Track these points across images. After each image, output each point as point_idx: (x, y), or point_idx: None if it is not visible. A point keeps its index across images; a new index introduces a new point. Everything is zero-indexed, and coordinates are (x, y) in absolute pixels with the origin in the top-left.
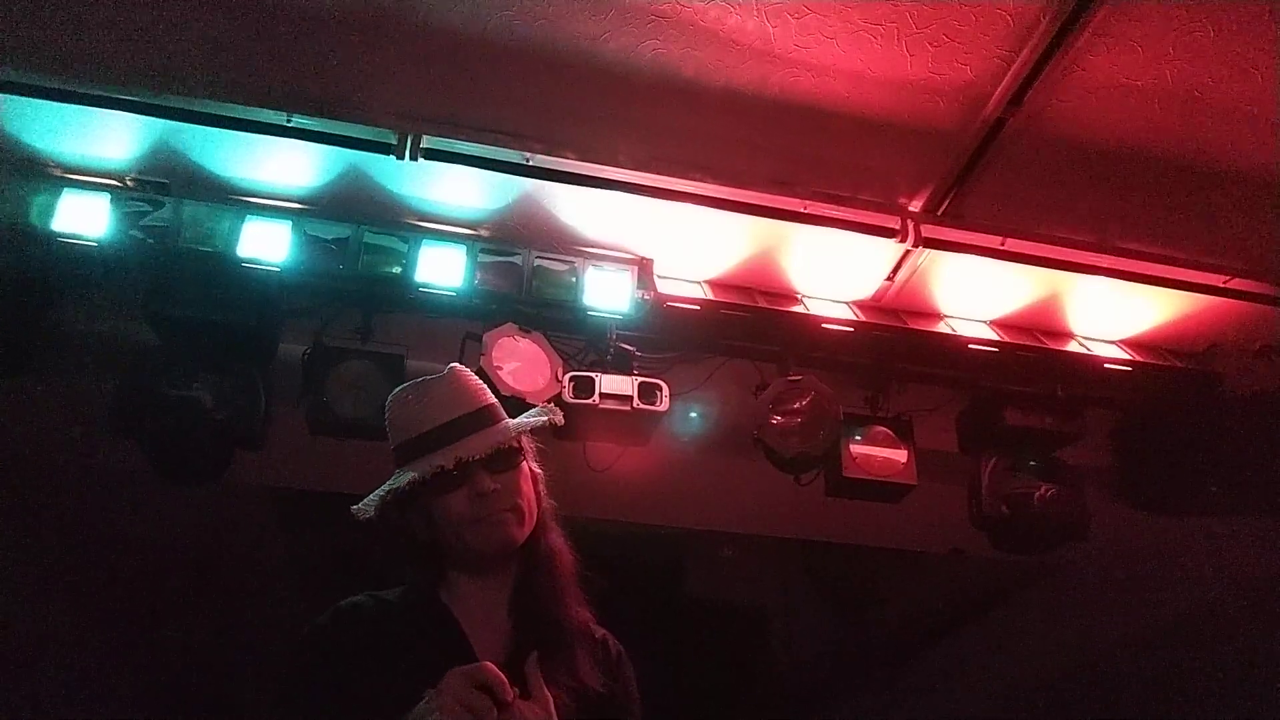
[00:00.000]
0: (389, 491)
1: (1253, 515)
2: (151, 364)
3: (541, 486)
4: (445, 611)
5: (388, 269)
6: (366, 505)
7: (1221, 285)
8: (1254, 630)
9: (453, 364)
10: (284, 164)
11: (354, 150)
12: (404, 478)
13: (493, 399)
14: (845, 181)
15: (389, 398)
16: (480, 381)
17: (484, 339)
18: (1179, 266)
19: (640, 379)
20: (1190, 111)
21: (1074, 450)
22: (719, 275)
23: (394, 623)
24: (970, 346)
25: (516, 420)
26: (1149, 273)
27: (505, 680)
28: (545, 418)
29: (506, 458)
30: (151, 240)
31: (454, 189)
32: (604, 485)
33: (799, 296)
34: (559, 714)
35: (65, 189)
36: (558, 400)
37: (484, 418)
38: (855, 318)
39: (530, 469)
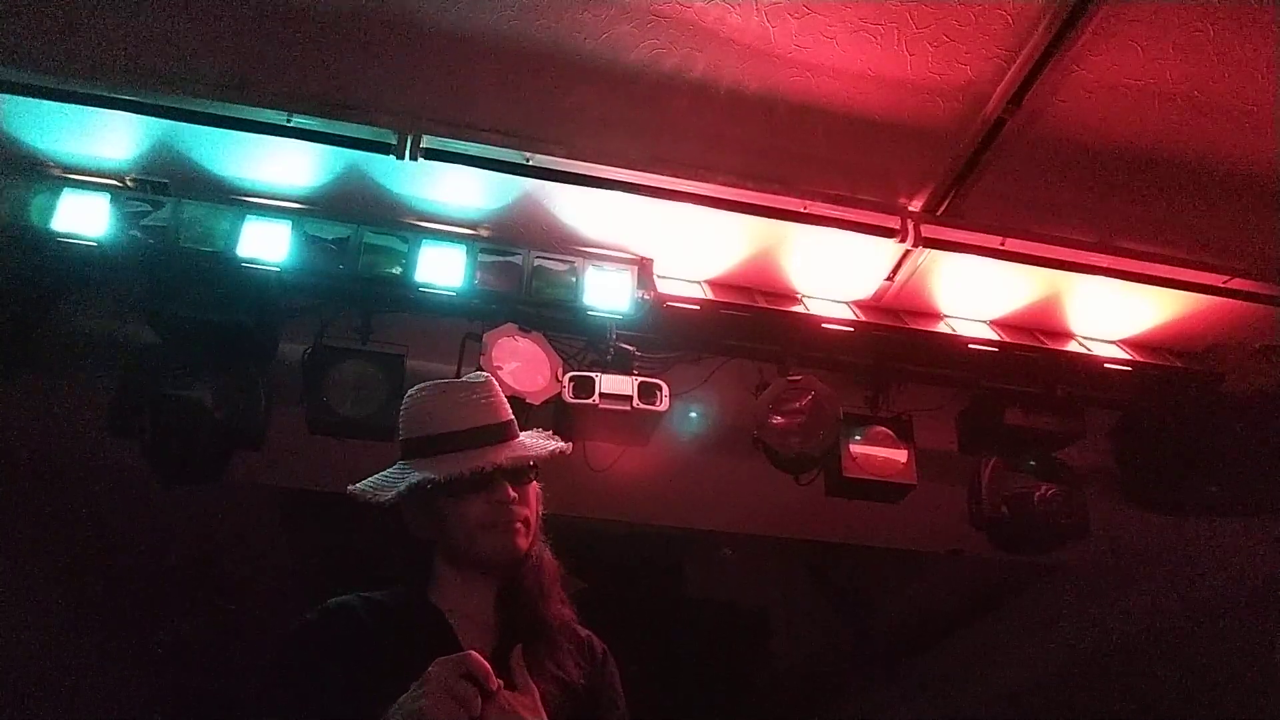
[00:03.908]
0: (419, 484)
1: (1253, 515)
2: (151, 364)
3: (541, 506)
4: (433, 609)
5: (388, 269)
6: (376, 490)
7: (1221, 285)
8: (1254, 630)
9: (484, 373)
10: (284, 164)
11: (354, 150)
12: (433, 474)
13: (512, 415)
14: (845, 181)
15: (411, 392)
16: (504, 397)
17: (484, 339)
18: (1179, 266)
19: (640, 379)
20: (1190, 111)
21: (1074, 450)
22: (719, 275)
23: (382, 620)
24: (970, 346)
25: (534, 441)
26: (1149, 273)
27: (490, 670)
28: (557, 446)
29: (526, 472)
30: (151, 240)
31: (454, 189)
32: (604, 485)
33: (799, 296)
34: (545, 705)
35: (65, 189)
36: (558, 400)
37: (506, 431)
38: (855, 318)
39: (538, 487)
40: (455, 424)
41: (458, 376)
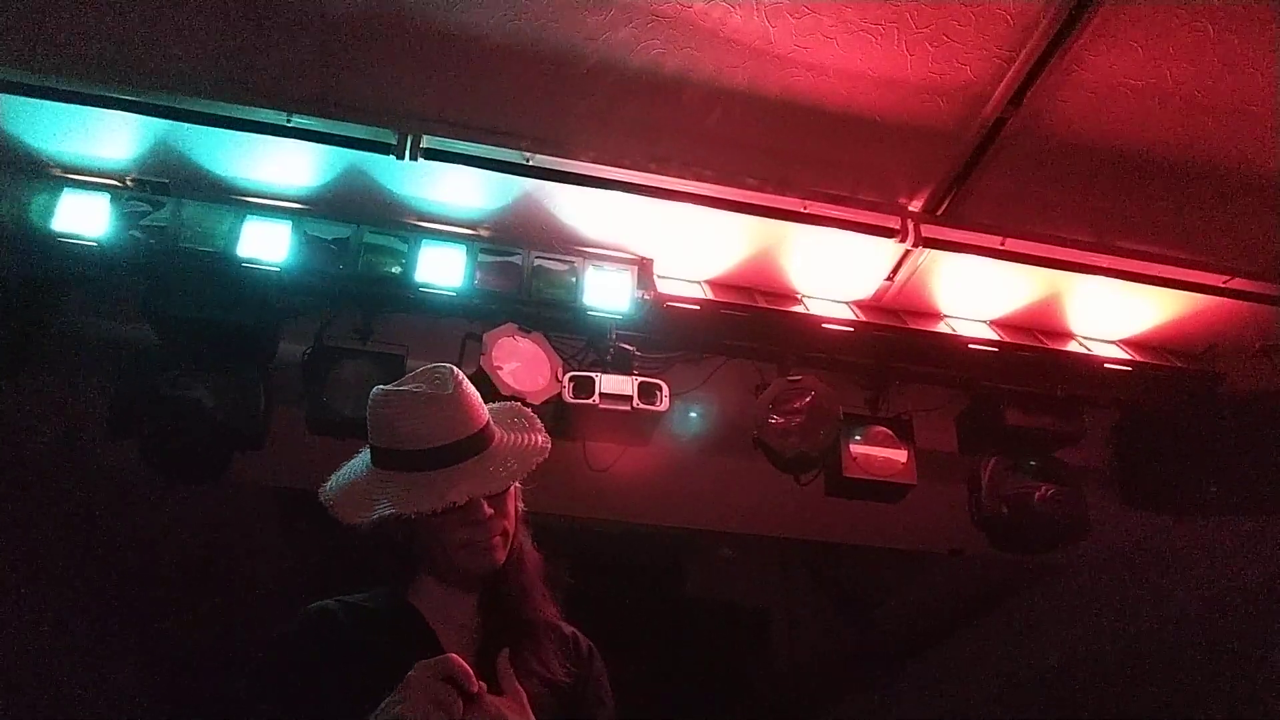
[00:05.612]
0: (389, 518)
1: (1253, 515)
2: (151, 364)
3: (520, 501)
4: (414, 613)
5: (388, 269)
6: (348, 506)
7: (1221, 285)
8: (1253, 630)
9: (456, 373)
10: (284, 164)
11: (354, 150)
12: (401, 510)
13: (487, 415)
14: (845, 181)
15: (379, 394)
16: (478, 394)
17: (484, 339)
18: (1179, 266)
19: (640, 379)
20: (1190, 111)
21: (1074, 450)
22: (719, 275)
23: (363, 625)
24: (970, 346)
25: (510, 446)
26: (1149, 273)
27: (470, 672)
28: (535, 458)
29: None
30: (151, 240)
31: (454, 189)
32: (604, 485)
33: (799, 296)
34: (531, 706)
35: (65, 189)
36: (558, 400)
37: (480, 442)
38: (855, 318)
39: (516, 486)
40: (422, 441)
41: None
